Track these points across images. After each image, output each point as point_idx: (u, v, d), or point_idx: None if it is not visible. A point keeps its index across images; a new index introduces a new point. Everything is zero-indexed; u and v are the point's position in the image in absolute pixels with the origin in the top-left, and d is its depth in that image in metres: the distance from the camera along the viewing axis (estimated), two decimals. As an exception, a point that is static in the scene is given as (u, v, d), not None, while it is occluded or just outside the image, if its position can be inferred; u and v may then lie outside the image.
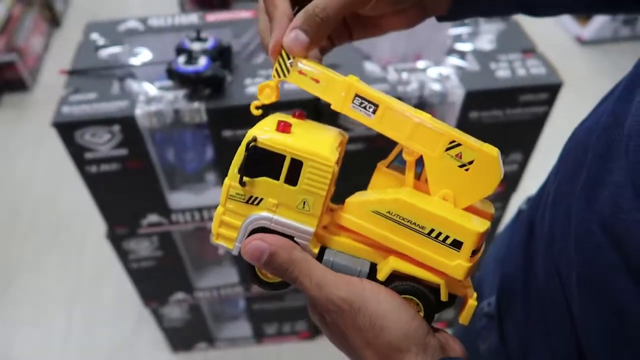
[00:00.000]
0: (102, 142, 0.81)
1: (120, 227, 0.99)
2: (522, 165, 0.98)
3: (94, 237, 1.71)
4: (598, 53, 2.46)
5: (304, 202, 0.36)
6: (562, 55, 2.42)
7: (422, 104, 0.85)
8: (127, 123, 0.79)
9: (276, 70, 0.39)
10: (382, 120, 0.37)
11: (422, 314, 0.37)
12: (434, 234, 0.36)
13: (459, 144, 0.36)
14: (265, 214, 0.37)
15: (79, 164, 0.84)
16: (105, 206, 0.94)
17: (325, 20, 0.36)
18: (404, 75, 0.85)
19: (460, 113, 0.85)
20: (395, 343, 0.34)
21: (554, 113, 0.88)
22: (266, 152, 0.35)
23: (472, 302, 0.38)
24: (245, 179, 0.36)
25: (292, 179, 0.36)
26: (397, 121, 0.37)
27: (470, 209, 0.37)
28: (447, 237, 0.35)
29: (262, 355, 1.47)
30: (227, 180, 0.37)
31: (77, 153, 0.82)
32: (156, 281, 1.15)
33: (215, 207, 0.38)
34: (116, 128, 0.80)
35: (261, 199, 0.37)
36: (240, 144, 0.36)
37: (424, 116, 0.37)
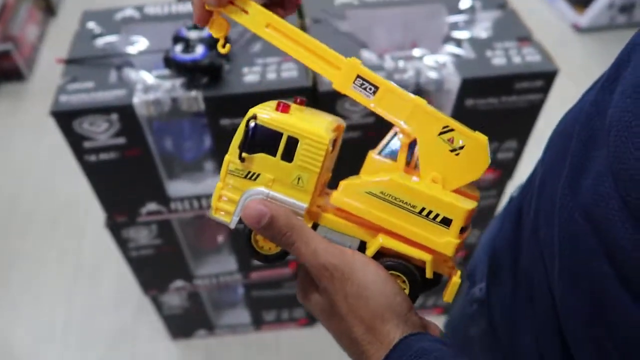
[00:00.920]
0: (101, 131, 0.82)
1: (120, 216, 1.00)
2: (518, 152, 0.99)
3: (93, 226, 1.72)
4: (595, 40, 2.46)
5: (299, 178, 0.38)
6: (559, 43, 2.42)
7: (418, 91, 0.85)
8: (125, 112, 0.80)
9: None
10: (382, 102, 0.39)
11: (407, 291, 0.39)
12: (424, 212, 0.38)
13: (451, 129, 0.38)
14: (261, 189, 0.39)
15: (77, 153, 0.85)
16: (104, 195, 0.95)
17: None
18: (401, 63, 0.86)
19: (457, 100, 0.86)
20: (379, 312, 0.36)
21: (550, 100, 0.89)
22: (265, 129, 0.38)
23: (456, 280, 0.39)
24: (244, 154, 0.38)
25: (288, 155, 0.38)
26: (395, 103, 0.39)
27: (457, 192, 0.39)
28: (437, 215, 0.38)
29: (261, 341, 1.49)
30: (227, 156, 0.39)
31: (76, 142, 0.83)
32: (155, 269, 1.16)
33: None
34: (114, 117, 0.80)
35: (258, 175, 0.39)
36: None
37: (420, 101, 0.38)
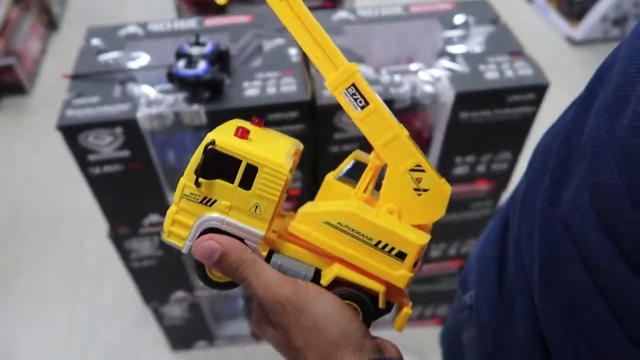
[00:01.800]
0: (105, 144, 0.84)
1: (122, 227, 1.01)
2: (512, 164, 1.01)
3: (94, 237, 1.73)
4: (588, 53, 2.50)
5: (256, 207, 0.38)
6: (553, 55, 2.46)
7: (414, 105, 0.88)
8: (130, 125, 0.82)
9: None
10: (367, 119, 0.39)
11: (360, 317, 0.40)
12: (380, 245, 0.38)
13: (422, 170, 0.38)
14: (217, 215, 0.38)
15: (82, 165, 0.87)
16: (107, 206, 0.96)
17: None
18: (397, 77, 0.88)
19: (451, 113, 0.88)
20: (334, 342, 0.36)
21: (544, 112, 0.92)
22: (223, 155, 0.37)
23: (407, 310, 0.40)
24: (201, 180, 0.37)
25: (247, 183, 0.37)
26: (379, 126, 0.39)
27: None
28: (392, 249, 0.38)
29: (261, 353, 1.50)
30: (182, 180, 0.38)
31: (81, 155, 0.85)
32: (157, 280, 1.17)
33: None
34: (119, 130, 0.82)
35: (215, 201, 0.38)
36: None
37: (403, 132, 0.39)
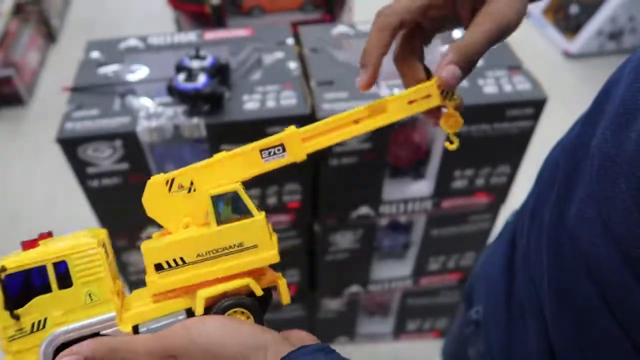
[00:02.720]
0: (104, 157, 0.84)
1: (120, 240, 1.01)
2: (511, 177, 1.01)
3: (91, 250, 1.73)
4: (585, 66, 2.52)
5: (89, 295, 0.36)
6: (550, 69, 2.48)
7: (413, 119, 0.88)
8: (129, 138, 0.82)
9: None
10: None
11: (252, 320, 0.39)
12: (236, 247, 0.38)
13: (173, 178, 0.38)
14: (57, 330, 0.35)
15: (81, 178, 0.87)
16: (105, 219, 0.96)
17: (476, 56, 0.37)
18: (396, 91, 0.89)
19: (450, 127, 0.88)
20: (236, 356, 0.35)
21: (543, 125, 0.92)
22: (23, 273, 0.34)
23: (282, 282, 0.40)
24: (16, 311, 0.34)
25: (65, 281, 0.35)
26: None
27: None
28: (241, 243, 0.38)
29: None
30: None
31: (80, 168, 0.85)
32: (154, 293, 1.16)
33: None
34: (118, 143, 0.82)
35: (45, 319, 0.35)
36: None
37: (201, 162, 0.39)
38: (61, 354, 0.34)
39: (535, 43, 2.69)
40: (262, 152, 0.39)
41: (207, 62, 0.87)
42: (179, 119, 0.84)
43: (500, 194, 1.05)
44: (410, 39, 0.40)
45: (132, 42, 1.00)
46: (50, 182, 1.94)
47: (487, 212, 1.09)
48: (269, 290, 0.40)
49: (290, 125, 0.40)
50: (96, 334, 0.36)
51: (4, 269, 0.34)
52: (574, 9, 2.63)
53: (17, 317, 0.34)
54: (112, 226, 0.98)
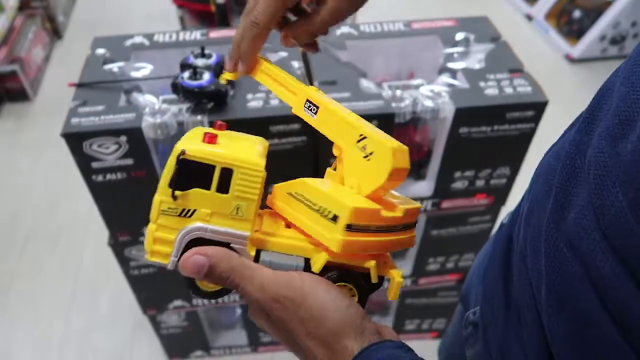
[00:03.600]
0: (109, 152, 0.85)
1: (123, 235, 1.02)
2: (510, 179, 1.02)
3: (92, 245, 1.74)
4: (587, 71, 2.53)
5: (237, 208, 0.38)
6: (552, 73, 2.49)
7: (415, 119, 0.89)
8: (134, 134, 0.83)
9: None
10: (321, 120, 0.42)
11: (356, 298, 0.41)
12: (321, 210, 0.39)
13: (365, 137, 0.40)
14: (199, 224, 0.38)
15: (85, 173, 0.88)
16: (108, 214, 0.97)
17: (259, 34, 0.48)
18: (398, 92, 0.90)
19: (451, 128, 0.89)
20: (335, 329, 0.37)
21: (543, 128, 0.93)
22: (196, 163, 0.37)
23: (399, 280, 0.41)
24: (176, 192, 0.37)
25: (224, 187, 0.37)
26: (328, 119, 0.42)
27: (380, 201, 0.41)
28: (329, 212, 0.38)
29: (257, 363, 1.50)
30: (157, 197, 0.37)
31: (85, 163, 0.86)
32: (155, 288, 1.17)
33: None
34: (123, 139, 0.83)
35: (194, 210, 0.37)
36: None
37: (344, 113, 0.41)
38: (193, 249, 0.37)
39: (538, 47, 2.70)
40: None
41: (212, 60, 0.88)
42: (183, 116, 0.85)
43: (500, 195, 1.06)
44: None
45: (138, 40, 1.01)
46: (54, 177, 1.95)
47: (486, 214, 1.10)
48: (381, 279, 0.42)
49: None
50: (227, 245, 0.38)
51: (183, 152, 0.36)
52: (577, 14, 2.64)
53: (175, 197, 0.37)
54: (114, 221, 0.99)
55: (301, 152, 0.89)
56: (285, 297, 0.37)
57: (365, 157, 0.40)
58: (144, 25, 2.69)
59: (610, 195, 0.31)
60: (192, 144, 0.37)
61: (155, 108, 0.86)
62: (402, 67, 1.06)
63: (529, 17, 2.86)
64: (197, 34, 1.03)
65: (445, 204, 1.05)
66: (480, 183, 1.01)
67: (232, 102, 0.87)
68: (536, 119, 0.90)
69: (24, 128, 2.19)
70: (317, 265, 0.39)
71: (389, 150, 0.39)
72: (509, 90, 0.89)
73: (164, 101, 0.87)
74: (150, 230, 0.38)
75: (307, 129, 0.87)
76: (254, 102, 0.87)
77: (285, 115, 0.85)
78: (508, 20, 2.83)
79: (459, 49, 1.00)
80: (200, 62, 0.87)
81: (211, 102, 0.85)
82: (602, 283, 0.33)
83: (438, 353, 0.82)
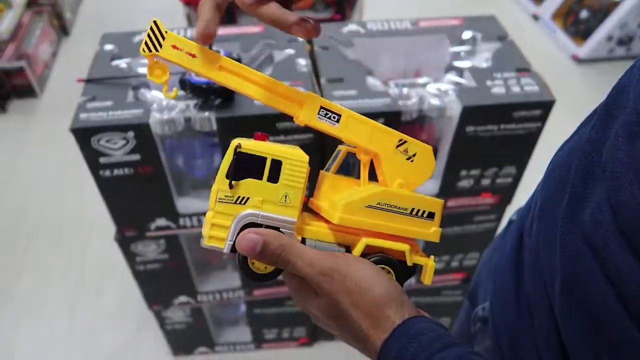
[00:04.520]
0: (117, 148, 0.85)
1: (129, 230, 1.02)
2: (516, 178, 1.02)
3: (98, 240, 1.75)
4: (593, 71, 2.52)
5: (286, 196, 0.43)
6: (559, 73, 2.48)
7: (421, 117, 0.89)
8: (142, 130, 0.83)
9: (145, 44, 0.41)
10: (346, 128, 0.44)
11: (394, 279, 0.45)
12: (414, 212, 0.45)
13: (405, 141, 0.46)
14: (252, 210, 0.42)
15: (93, 168, 0.88)
16: (115, 209, 0.98)
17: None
18: (405, 90, 0.90)
19: (458, 127, 0.89)
20: (378, 300, 0.40)
21: (549, 128, 0.93)
22: (250, 156, 0.42)
23: (432, 264, 0.46)
24: (233, 182, 0.41)
25: (274, 177, 0.42)
26: (357, 128, 0.45)
27: None
28: (424, 212, 0.45)
29: (261, 359, 1.50)
30: (215, 186, 0.42)
31: (92, 158, 0.86)
32: (161, 284, 1.18)
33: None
34: (131, 134, 0.84)
35: (247, 198, 0.42)
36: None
37: (376, 123, 0.45)
38: (248, 229, 0.42)
39: (545, 47, 2.69)
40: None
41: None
42: (190, 112, 0.85)
43: (505, 194, 1.06)
44: None
45: (146, 36, 1.01)
46: (60, 173, 1.96)
47: (492, 213, 1.10)
48: (415, 266, 0.47)
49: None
50: (276, 229, 0.43)
51: (239, 146, 0.41)
52: (584, 14, 2.63)
53: (231, 187, 0.41)
54: (121, 216, 1.00)
55: (308, 149, 0.88)
56: (332, 269, 0.41)
57: (408, 159, 0.46)
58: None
59: (626, 192, 0.32)
60: (245, 141, 0.42)
61: (162, 104, 0.86)
62: (408, 65, 1.07)
63: (536, 17, 2.86)
64: (204, 31, 1.03)
65: (451, 203, 1.05)
66: (486, 182, 1.01)
67: (239, 99, 0.87)
68: (543, 118, 0.90)
69: (31, 124, 2.20)
70: (357, 249, 0.44)
71: (430, 151, 0.46)
72: (516, 89, 0.89)
73: (172, 97, 0.88)
74: (208, 217, 0.42)
75: (314, 145, 0.87)
76: (261, 99, 0.87)
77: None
78: (514, 20, 2.82)
79: (466, 47, 1.00)
80: (208, 58, 0.87)
81: (219, 99, 0.86)
82: (617, 278, 0.33)
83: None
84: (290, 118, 0.83)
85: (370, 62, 0.98)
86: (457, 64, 0.97)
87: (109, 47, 0.99)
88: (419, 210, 0.45)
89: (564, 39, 2.66)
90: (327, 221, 0.45)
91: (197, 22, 0.43)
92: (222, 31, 1.04)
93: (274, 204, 0.42)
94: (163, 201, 0.97)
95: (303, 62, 0.95)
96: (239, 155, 0.41)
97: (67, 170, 1.93)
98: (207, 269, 1.24)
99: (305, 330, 1.45)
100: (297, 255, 0.41)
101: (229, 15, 1.87)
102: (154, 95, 0.89)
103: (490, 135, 0.91)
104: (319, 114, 0.44)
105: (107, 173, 0.89)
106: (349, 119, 0.44)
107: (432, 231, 0.46)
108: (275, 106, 0.44)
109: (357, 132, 0.45)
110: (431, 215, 0.45)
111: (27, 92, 2.29)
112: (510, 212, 1.08)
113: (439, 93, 0.89)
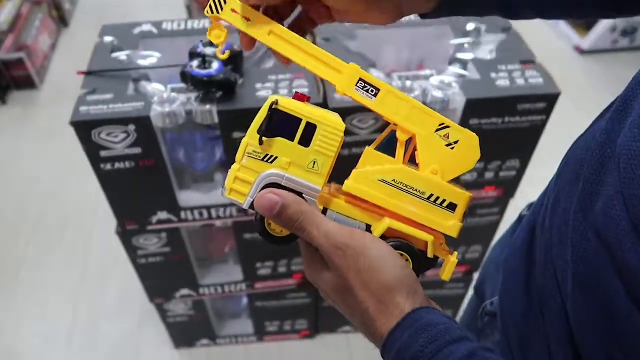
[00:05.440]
0: (118, 141, 0.85)
1: (130, 224, 1.02)
2: (520, 171, 1.01)
3: (99, 233, 1.75)
4: (597, 63, 2.50)
5: (314, 163, 0.41)
6: (562, 64, 2.47)
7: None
8: (143, 123, 0.83)
9: (210, 6, 0.43)
10: (383, 103, 0.42)
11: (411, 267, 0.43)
12: (432, 199, 0.42)
13: (447, 126, 0.43)
14: (278, 171, 0.41)
15: (94, 161, 0.88)
16: (117, 203, 0.97)
17: None
18: (408, 83, 0.89)
19: (461, 120, 0.88)
20: (389, 284, 0.39)
21: (553, 121, 0.92)
22: (285, 114, 0.40)
23: (453, 260, 0.44)
24: (264, 138, 0.40)
25: (306, 140, 0.41)
26: (395, 104, 0.42)
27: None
28: (444, 201, 0.42)
29: (263, 352, 1.50)
30: (245, 139, 0.41)
31: (93, 151, 0.86)
32: (163, 277, 1.18)
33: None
34: (131, 128, 0.83)
35: (275, 158, 0.41)
36: None
37: (417, 102, 0.43)
38: (269, 189, 0.41)
39: (548, 38, 2.67)
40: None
41: (221, 49, 0.87)
42: (191, 105, 0.84)
43: (509, 188, 1.05)
44: None
45: (146, 28, 1.00)
46: (61, 165, 1.95)
47: (495, 206, 1.10)
48: (436, 259, 0.44)
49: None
50: (299, 194, 0.42)
51: (276, 102, 0.40)
52: (587, 5, 2.60)
53: (261, 142, 0.40)
54: (123, 210, 0.99)
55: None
56: (347, 245, 0.39)
57: (448, 145, 0.42)
58: (151, 13, 2.68)
59: None
60: (284, 98, 0.40)
61: (163, 97, 0.85)
62: (412, 58, 1.05)
63: (539, 8, 2.83)
64: (205, 22, 1.02)
65: (454, 196, 1.04)
66: (489, 175, 1.01)
67: (241, 92, 0.86)
68: (548, 111, 0.89)
69: (31, 116, 2.19)
70: (378, 229, 0.42)
71: (476, 140, 0.43)
72: (520, 82, 0.88)
73: (173, 90, 0.87)
74: (234, 169, 0.41)
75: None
76: (263, 92, 0.86)
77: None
78: (517, 11, 2.79)
79: (470, 39, 0.99)
80: (209, 50, 0.86)
81: (220, 91, 0.85)
82: (629, 273, 0.32)
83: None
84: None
85: (373, 54, 0.97)
86: (461, 56, 0.96)
87: (108, 38, 0.98)
88: (438, 198, 0.42)
89: (567, 30, 2.64)
90: (350, 195, 0.44)
91: None
92: (225, 22, 1.03)
93: (301, 168, 0.41)
94: (164, 195, 0.96)
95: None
96: (274, 112, 0.40)
97: (68, 162, 1.92)
98: (209, 262, 1.24)
99: (307, 322, 1.45)
100: (313, 224, 0.40)
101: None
102: (154, 88, 0.88)
103: (494, 128, 0.90)
104: (357, 85, 0.42)
105: (108, 167, 0.88)
106: (388, 94, 0.42)
107: (450, 224, 0.42)
108: (318, 74, 0.43)
109: (393, 109, 0.42)
110: (452, 207, 0.42)
111: (27, 83, 2.28)
112: (513, 205, 1.08)
113: (443, 85, 0.88)
